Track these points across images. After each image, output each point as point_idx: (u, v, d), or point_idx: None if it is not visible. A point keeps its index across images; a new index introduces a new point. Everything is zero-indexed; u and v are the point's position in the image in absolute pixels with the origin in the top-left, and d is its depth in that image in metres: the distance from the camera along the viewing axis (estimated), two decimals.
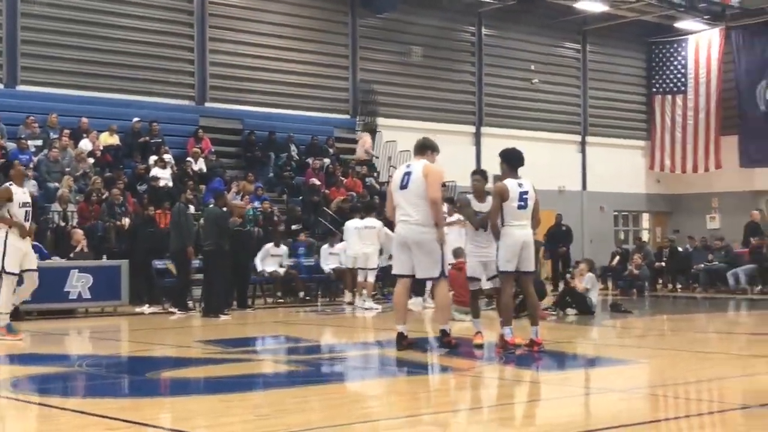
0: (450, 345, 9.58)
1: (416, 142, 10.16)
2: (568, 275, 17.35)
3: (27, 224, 11.86)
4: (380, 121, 27.11)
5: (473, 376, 8.67)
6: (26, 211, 11.89)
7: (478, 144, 29.30)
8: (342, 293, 19.05)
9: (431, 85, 28.59)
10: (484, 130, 29.50)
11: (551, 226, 24.13)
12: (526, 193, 9.69)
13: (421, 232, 9.58)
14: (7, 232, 11.60)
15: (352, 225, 18.16)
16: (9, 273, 11.62)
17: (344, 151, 26.32)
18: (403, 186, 9.68)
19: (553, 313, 15.09)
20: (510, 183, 9.71)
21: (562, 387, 8.17)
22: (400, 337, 9.74)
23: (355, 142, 27.12)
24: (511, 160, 9.89)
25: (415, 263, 9.65)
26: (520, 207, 9.63)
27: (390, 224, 11.67)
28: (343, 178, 24.07)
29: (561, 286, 21.46)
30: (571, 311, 15.20)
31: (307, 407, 6.90)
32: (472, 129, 29.47)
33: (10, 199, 11.66)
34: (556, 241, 23.82)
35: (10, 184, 11.92)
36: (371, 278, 17.74)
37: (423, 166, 9.69)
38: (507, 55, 30.23)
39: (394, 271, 10.02)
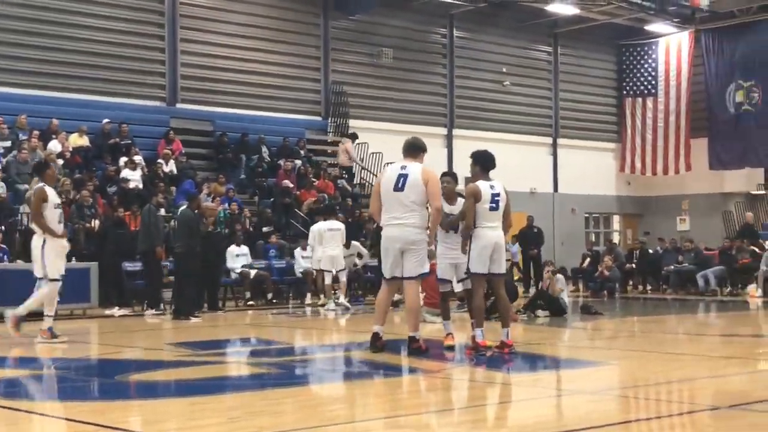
0: (420, 350, 9.55)
1: (406, 142, 9.97)
2: (540, 284, 17.33)
3: (61, 226, 11.75)
4: (351, 122, 27.09)
5: (444, 378, 8.68)
6: (60, 213, 11.81)
7: (449, 146, 29.36)
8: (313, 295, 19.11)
9: (403, 87, 28.63)
10: (455, 132, 29.57)
11: (522, 228, 24.22)
12: (498, 194, 9.71)
13: (416, 233, 9.54)
14: (45, 239, 11.52)
15: (316, 228, 18.25)
16: (52, 279, 11.55)
17: (316, 153, 26.29)
18: (398, 188, 9.51)
19: (524, 315, 15.13)
20: (482, 184, 9.72)
21: (533, 388, 8.19)
22: (375, 337, 9.70)
23: (326, 143, 27.12)
24: (483, 161, 9.90)
25: (404, 264, 9.60)
26: (491, 209, 9.65)
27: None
28: (314, 180, 24.03)
29: (532, 288, 21.62)
30: (542, 313, 15.25)
31: (279, 409, 6.87)
32: (443, 131, 29.53)
33: (45, 200, 11.50)
34: (528, 243, 23.92)
35: (44, 185, 11.67)
36: (343, 278, 17.98)
37: (422, 171, 9.55)
38: (479, 57, 30.34)
39: (385, 275, 9.76)
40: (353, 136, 26.18)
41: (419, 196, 9.51)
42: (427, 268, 9.82)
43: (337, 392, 7.91)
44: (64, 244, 11.94)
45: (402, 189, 9.51)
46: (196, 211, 16.18)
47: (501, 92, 30.84)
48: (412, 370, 8.93)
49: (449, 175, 10.62)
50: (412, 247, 9.54)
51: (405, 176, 9.54)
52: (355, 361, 10.06)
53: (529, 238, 24.03)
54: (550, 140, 32.23)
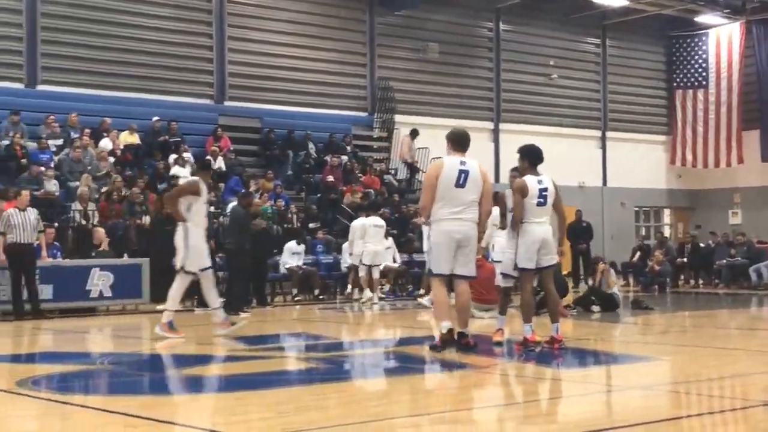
0: (469, 347, 9.48)
1: (456, 134, 9.75)
2: (591, 279, 17.15)
3: (205, 221, 11.77)
4: (398, 118, 27.09)
5: (493, 374, 8.64)
6: (208, 209, 11.94)
7: (496, 140, 29.21)
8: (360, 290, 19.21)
9: (449, 82, 28.53)
10: (502, 126, 29.41)
11: (571, 222, 23.96)
12: (545, 189, 9.64)
13: (474, 229, 9.51)
14: (187, 230, 11.39)
15: (359, 223, 18.42)
16: (187, 272, 11.48)
17: (362, 149, 26.33)
18: (460, 184, 9.35)
19: (573, 310, 15.04)
20: (529, 180, 9.66)
21: (583, 384, 8.13)
22: (450, 333, 9.41)
23: (372, 139, 27.15)
24: (530, 156, 9.83)
25: (459, 260, 9.49)
26: (539, 204, 9.59)
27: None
28: (360, 176, 24.08)
29: (582, 283, 21.46)
30: (595, 308, 15.16)
31: (326, 404, 6.90)
32: (490, 125, 29.39)
33: (198, 194, 11.45)
34: (577, 238, 23.72)
35: (200, 180, 11.66)
36: (376, 275, 18.31)
37: (480, 168, 9.53)
38: (525, 51, 30.13)
39: (437, 270, 9.55)
40: (414, 133, 26.12)
41: (478, 194, 9.44)
42: (475, 270, 9.71)
43: (384, 388, 7.92)
44: (205, 245, 11.74)
45: (463, 185, 9.36)
46: (248, 208, 16.27)
47: (548, 85, 30.59)
48: (461, 366, 8.90)
49: (516, 170, 10.53)
50: (469, 244, 9.49)
51: (466, 173, 9.40)
52: (402, 357, 10.06)
53: (578, 233, 23.82)
54: (599, 133, 31.93)
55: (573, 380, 8.41)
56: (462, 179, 9.36)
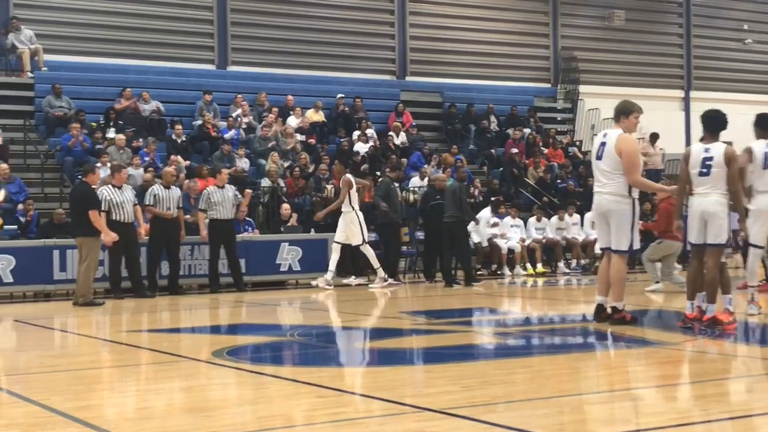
0: (624, 320, 9.28)
1: (615, 107, 9.71)
2: None
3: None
4: (582, 88, 26.52)
5: (682, 351, 8.35)
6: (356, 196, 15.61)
7: (687, 109, 28.15)
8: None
9: (636, 50, 27.70)
10: (693, 94, 28.31)
11: None
12: (710, 158, 9.12)
13: (613, 201, 9.26)
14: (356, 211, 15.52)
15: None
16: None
17: (545, 121, 25.95)
18: (598, 157, 9.36)
19: None
20: (694, 147, 9.30)
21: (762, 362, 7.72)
22: (599, 308, 9.53)
23: (556, 111, 26.67)
24: (708, 123, 9.35)
25: (612, 233, 9.37)
26: (701, 173, 9.11)
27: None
28: (544, 149, 23.75)
29: None
30: None
31: (511, 379, 6.86)
32: (680, 93, 28.36)
33: (351, 187, 15.26)
34: None
35: (351, 176, 15.29)
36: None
37: (617, 139, 9.24)
38: (717, 15, 28.85)
39: (599, 244, 9.77)
40: (654, 137, 23.36)
41: (615, 165, 9.21)
42: (626, 245, 9.36)
43: (569, 363, 7.79)
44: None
45: (600, 158, 9.33)
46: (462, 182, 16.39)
47: (742, 51, 29.17)
48: (645, 343, 8.66)
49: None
50: (613, 216, 9.26)
51: (604, 144, 9.35)
52: (587, 332, 9.88)
53: None
54: None
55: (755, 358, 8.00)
56: (600, 152, 9.38)
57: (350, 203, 15.55)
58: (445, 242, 16.08)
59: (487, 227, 18.62)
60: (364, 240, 15.68)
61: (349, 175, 15.77)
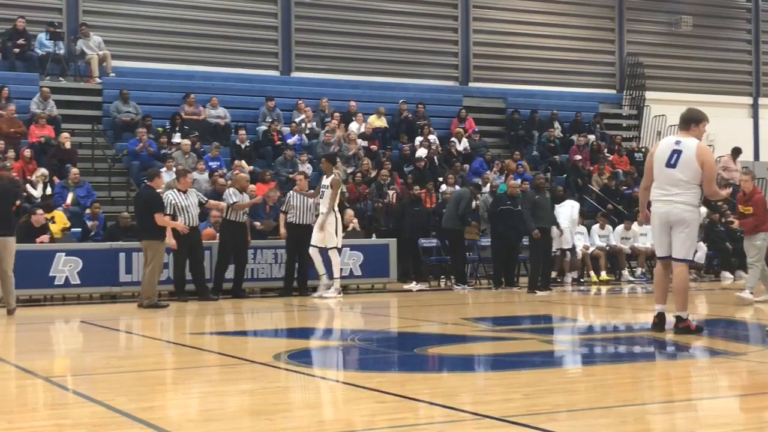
0: (689, 330, 9.11)
1: (682, 114, 9.50)
2: None
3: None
4: (648, 95, 26.20)
5: (748, 361, 8.16)
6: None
7: (755, 116, 27.63)
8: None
9: (703, 56, 27.30)
10: (762, 101, 27.76)
11: None
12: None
13: (686, 210, 9.09)
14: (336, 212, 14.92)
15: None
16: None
17: (610, 127, 25.68)
18: (671, 164, 9.07)
19: None
20: None
21: None
22: (658, 317, 9.39)
23: (621, 117, 26.39)
24: None
25: (673, 243, 9.20)
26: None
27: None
28: (609, 155, 23.50)
29: None
30: None
31: (573, 388, 6.79)
32: (748, 100, 27.85)
33: (340, 186, 15.25)
34: None
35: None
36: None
37: (697, 149, 9.02)
38: None
39: (657, 253, 9.57)
40: (737, 152, 22.66)
41: (693, 176, 9.02)
42: (691, 255, 9.26)
43: (632, 372, 7.68)
44: None
45: (674, 166, 9.04)
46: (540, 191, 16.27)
47: None
48: (713, 353, 8.50)
49: None
50: (683, 225, 9.09)
51: (679, 152, 9.05)
52: (651, 341, 9.73)
53: None
54: None
55: None
56: (673, 159, 9.09)
57: (332, 204, 14.98)
58: (533, 250, 15.87)
59: (570, 235, 18.15)
60: (337, 245, 15.12)
61: (337, 174, 15.40)
